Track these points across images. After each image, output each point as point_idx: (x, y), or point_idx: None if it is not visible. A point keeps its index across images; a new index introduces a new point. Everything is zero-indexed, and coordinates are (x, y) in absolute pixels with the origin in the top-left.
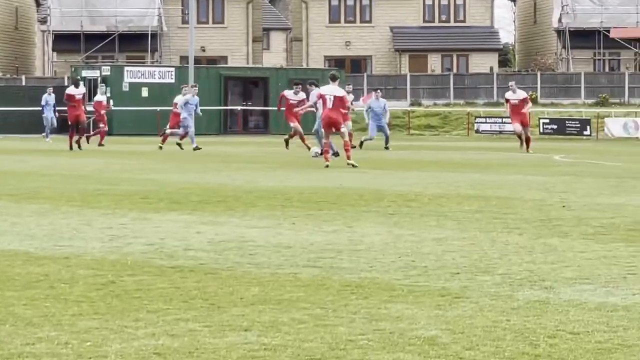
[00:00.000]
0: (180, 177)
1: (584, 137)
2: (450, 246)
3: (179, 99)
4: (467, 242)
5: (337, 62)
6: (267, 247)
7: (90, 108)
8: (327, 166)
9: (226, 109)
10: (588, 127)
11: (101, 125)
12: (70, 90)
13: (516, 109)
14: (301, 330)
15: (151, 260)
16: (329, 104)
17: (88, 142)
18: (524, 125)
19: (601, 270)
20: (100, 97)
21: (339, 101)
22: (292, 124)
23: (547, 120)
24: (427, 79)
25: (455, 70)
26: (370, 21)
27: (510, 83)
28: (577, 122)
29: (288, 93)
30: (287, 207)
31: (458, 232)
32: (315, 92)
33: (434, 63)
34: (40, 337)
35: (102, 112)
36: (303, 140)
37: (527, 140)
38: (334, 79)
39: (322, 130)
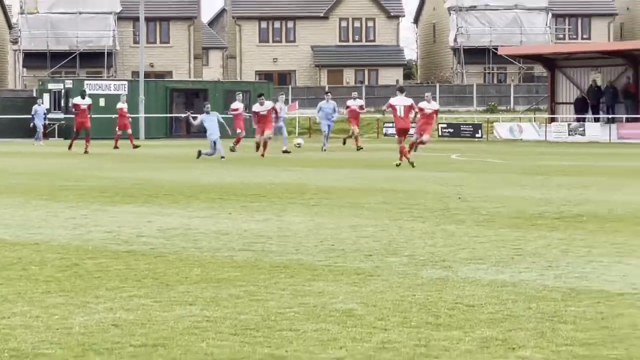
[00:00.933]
0: (133, 174)
1: (476, 139)
2: (364, 232)
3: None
4: (379, 228)
5: (266, 76)
6: (207, 233)
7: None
8: (398, 165)
9: (171, 116)
10: (480, 131)
11: (119, 131)
12: (77, 100)
13: (426, 119)
14: (238, 305)
15: (109, 245)
16: (400, 113)
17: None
18: (424, 132)
19: (492, 252)
20: (121, 104)
21: (408, 109)
22: (267, 131)
23: (445, 125)
24: (342, 90)
25: (366, 83)
26: (294, 41)
27: (426, 94)
28: (471, 127)
29: (256, 107)
30: (224, 199)
31: (371, 220)
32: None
33: (349, 76)
34: (15, 312)
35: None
36: (265, 146)
37: (412, 146)
38: (401, 90)
39: (398, 137)
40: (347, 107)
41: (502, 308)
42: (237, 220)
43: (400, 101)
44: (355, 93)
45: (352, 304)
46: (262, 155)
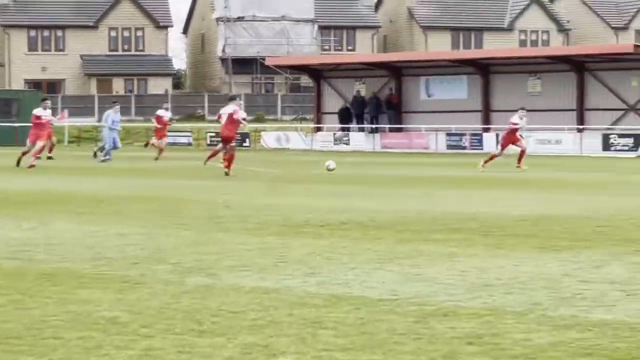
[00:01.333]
0: None
1: (244, 148)
2: (131, 240)
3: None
4: (146, 236)
5: (35, 85)
6: None
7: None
8: (227, 174)
9: None
10: (248, 140)
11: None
12: None
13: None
14: (1, 313)
15: None
16: (224, 121)
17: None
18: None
19: (257, 259)
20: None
21: (230, 117)
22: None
23: (214, 134)
24: (113, 99)
25: (136, 92)
26: (63, 50)
27: (239, 101)
28: (239, 135)
29: (39, 111)
30: None
31: (138, 228)
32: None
33: (118, 85)
34: None
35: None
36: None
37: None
38: (231, 99)
39: (222, 144)
40: (160, 116)
41: (265, 314)
42: (3, 229)
43: (226, 109)
44: (167, 104)
45: (117, 312)
46: (25, 164)
